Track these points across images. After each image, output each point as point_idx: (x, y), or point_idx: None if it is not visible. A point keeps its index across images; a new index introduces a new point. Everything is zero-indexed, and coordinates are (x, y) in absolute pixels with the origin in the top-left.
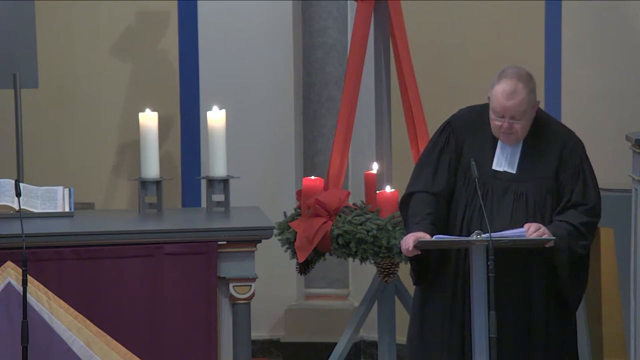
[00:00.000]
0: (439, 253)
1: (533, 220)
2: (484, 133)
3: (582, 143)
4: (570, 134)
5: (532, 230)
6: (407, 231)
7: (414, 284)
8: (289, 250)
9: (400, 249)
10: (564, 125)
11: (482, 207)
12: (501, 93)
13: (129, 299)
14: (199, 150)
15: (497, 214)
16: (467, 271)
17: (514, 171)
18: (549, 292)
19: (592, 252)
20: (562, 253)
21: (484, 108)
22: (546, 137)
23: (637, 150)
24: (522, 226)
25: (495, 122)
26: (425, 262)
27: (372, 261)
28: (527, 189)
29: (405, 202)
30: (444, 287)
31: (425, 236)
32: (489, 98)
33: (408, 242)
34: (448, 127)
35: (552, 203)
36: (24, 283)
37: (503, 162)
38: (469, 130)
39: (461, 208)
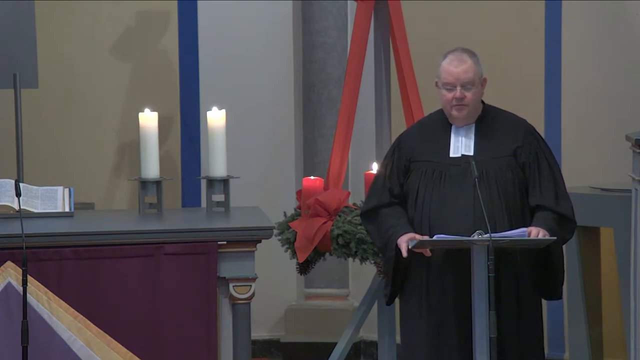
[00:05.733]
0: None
1: (497, 196)
2: (434, 132)
3: (533, 127)
4: (521, 119)
5: (534, 234)
6: (388, 240)
7: (388, 304)
8: (289, 250)
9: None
10: (514, 114)
11: (482, 204)
12: (449, 63)
13: (129, 299)
14: (199, 150)
15: (459, 194)
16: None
17: (471, 153)
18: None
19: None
20: (557, 244)
21: (429, 115)
22: (498, 123)
23: (637, 150)
24: (490, 206)
25: (447, 96)
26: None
27: (372, 261)
28: (486, 167)
29: (372, 216)
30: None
31: (415, 235)
32: (437, 83)
33: (402, 245)
34: (396, 142)
35: (512, 178)
36: (24, 283)
37: (459, 148)
38: (417, 136)
39: (420, 198)
